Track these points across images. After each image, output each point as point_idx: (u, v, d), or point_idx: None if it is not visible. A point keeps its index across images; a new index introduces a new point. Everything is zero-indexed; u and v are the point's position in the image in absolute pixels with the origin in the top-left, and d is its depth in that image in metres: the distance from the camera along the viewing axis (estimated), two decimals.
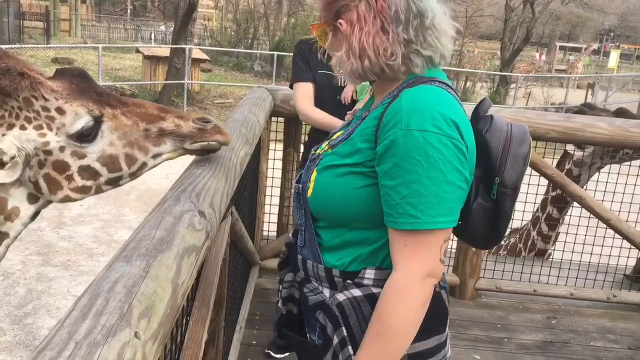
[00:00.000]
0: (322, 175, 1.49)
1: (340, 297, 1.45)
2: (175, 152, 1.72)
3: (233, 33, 30.99)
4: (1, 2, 25.65)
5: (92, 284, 1.03)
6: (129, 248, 1.18)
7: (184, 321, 1.65)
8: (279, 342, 1.77)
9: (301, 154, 3.85)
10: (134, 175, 1.69)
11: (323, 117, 3.11)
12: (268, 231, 4.40)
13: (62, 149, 1.56)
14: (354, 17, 1.41)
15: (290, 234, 1.72)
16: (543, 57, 39.23)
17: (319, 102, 3.17)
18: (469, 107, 1.60)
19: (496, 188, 1.46)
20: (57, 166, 1.57)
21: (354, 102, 3.12)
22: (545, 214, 4.91)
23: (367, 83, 1.71)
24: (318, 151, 1.60)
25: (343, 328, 1.43)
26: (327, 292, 1.53)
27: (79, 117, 1.56)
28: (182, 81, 16.07)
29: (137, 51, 20.20)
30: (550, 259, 4.87)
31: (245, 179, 3.01)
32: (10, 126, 1.52)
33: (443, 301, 1.53)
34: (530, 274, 4.26)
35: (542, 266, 4.35)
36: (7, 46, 12.81)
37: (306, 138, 3.64)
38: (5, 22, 24.71)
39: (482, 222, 1.49)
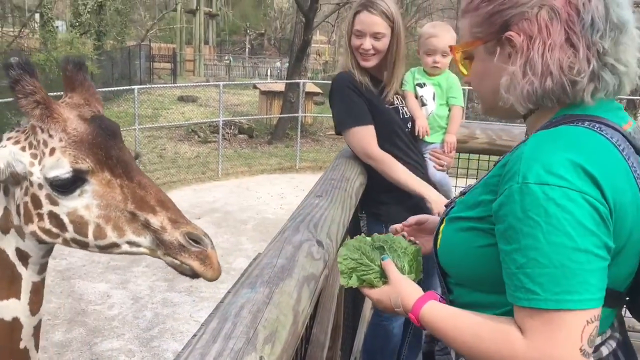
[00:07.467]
0: (448, 227, 1.32)
1: None
2: (153, 252, 1.58)
3: None
4: (134, 46, 28.13)
5: (220, 308, 1.09)
6: (252, 275, 1.24)
7: (303, 348, 1.69)
8: None
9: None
10: (103, 250, 1.58)
11: (408, 177, 2.61)
12: None
13: (40, 186, 1.56)
14: (534, 29, 1.18)
15: None
16: None
17: (391, 140, 2.73)
18: None
19: None
20: (33, 199, 1.57)
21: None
22: None
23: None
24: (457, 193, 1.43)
25: None
26: (453, 354, 1.34)
27: (58, 165, 1.52)
28: (296, 114, 16.60)
29: (255, 87, 21.29)
30: None
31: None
32: (17, 142, 1.58)
33: None
34: None
35: None
36: (139, 86, 13.96)
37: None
38: (137, 64, 27.03)
39: None
